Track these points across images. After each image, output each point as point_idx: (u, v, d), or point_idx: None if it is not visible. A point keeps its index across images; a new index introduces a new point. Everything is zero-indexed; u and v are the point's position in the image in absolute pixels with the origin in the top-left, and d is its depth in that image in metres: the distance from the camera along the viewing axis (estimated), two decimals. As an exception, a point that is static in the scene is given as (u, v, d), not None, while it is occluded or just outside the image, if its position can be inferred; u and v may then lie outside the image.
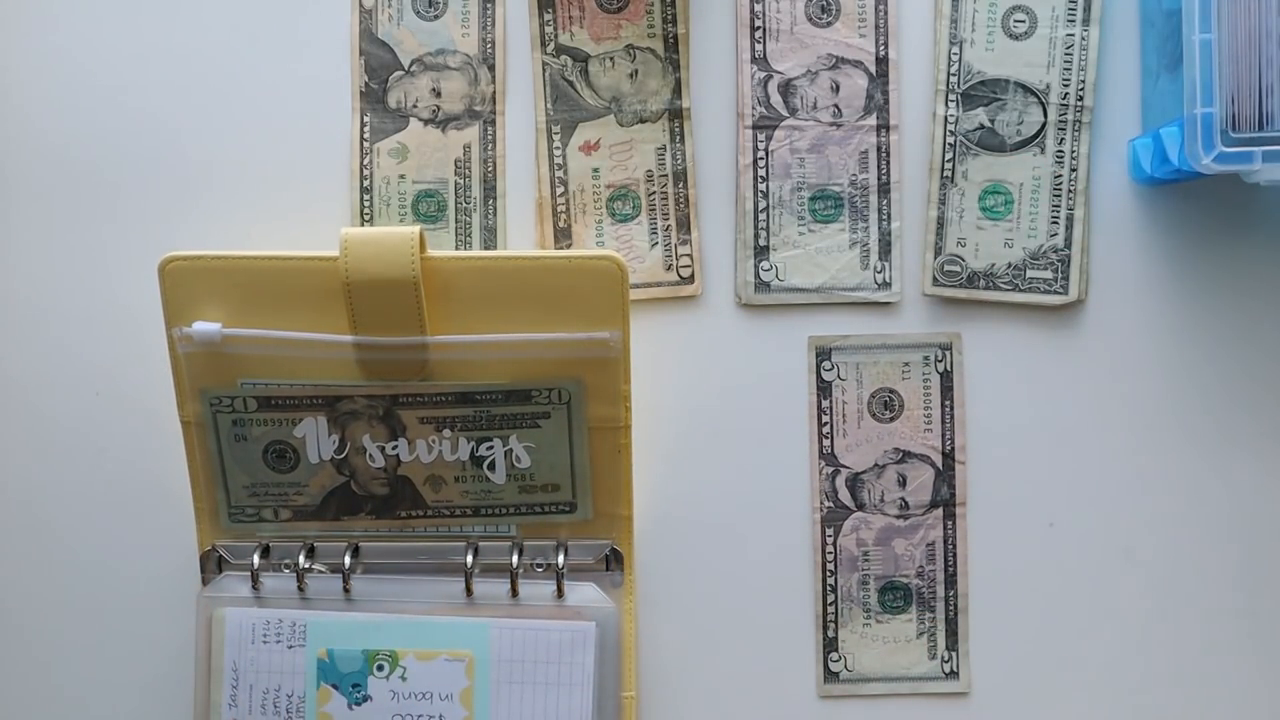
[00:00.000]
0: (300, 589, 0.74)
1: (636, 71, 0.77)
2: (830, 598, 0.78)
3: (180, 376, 0.72)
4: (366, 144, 0.77)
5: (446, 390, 0.72)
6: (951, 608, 0.77)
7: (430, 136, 0.77)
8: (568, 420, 0.72)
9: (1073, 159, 0.76)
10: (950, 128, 0.77)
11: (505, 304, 0.69)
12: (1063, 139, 0.76)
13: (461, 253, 0.77)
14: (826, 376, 0.77)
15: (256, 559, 0.74)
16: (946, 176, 0.77)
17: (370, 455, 0.73)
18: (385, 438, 0.73)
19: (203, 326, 0.70)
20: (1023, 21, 0.76)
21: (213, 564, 0.75)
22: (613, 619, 0.73)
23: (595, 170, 0.77)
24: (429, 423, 0.72)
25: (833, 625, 0.78)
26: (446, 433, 0.73)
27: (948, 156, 0.77)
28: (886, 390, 0.77)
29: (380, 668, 0.73)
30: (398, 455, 0.73)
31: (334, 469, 0.74)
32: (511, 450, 0.73)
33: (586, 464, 0.73)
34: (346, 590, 0.74)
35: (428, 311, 0.69)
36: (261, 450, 0.73)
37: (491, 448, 0.73)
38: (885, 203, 0.77)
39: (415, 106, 0.77)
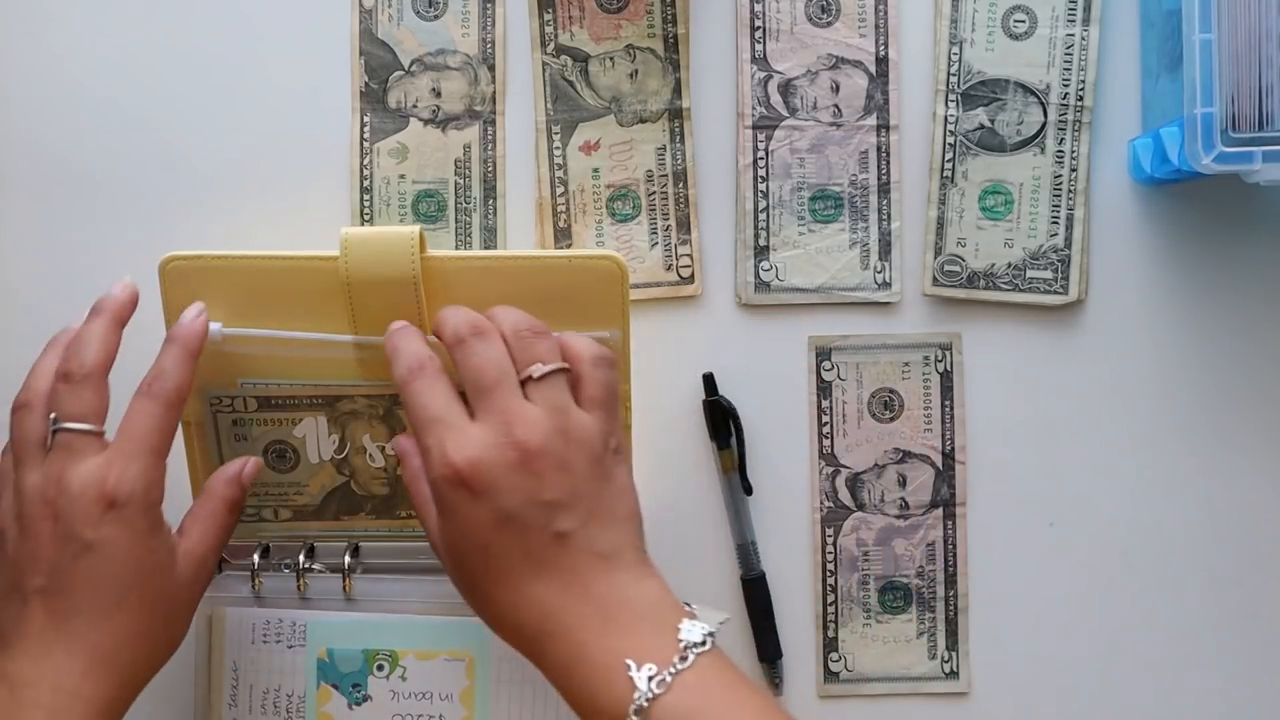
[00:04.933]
0: (300, 589, 0.74)
1: (636, 71, 0.77)
2: (830, 598, 0.78)
3: (180, 376, 0.72)
4: (366, 144, 0.77)
5: (446, 390, 0.72)
6: (951, 608, 0.77)
7: (430, 136, 0.77)
8: (568, 420, 0.72)
9: (1073, 159, 0.76)
10: (950, 128, 0.77)
11: (506, 303, 0.69)
12: (1063, 139, 0.76)
13: (462, 252, 0.77)
14: (826, 376, 0.77)
15: (256, 559, 0.74)
16: (946, 176, 0.77)
17: (370, 455, 0.73)
18: (385, 437, 0.73)
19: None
20: (1023, 21, 0.76)
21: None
22: (613, 619, 0.73)
23: (595, 170, 0.77)
24: (429, 422, 0.72)
25: (833, 625, 0.78)
26: (446, 433, 0.72)
27: (948, 156, 0.77)
28: (886, 390, 0.77)
29: (380, 668, 0.73)
30: (398, 455, 0.73)
31: (334, 469, 0.74)
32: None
33: (586, 464, 0.73)
34: (346, 590, 0.74)
35: (428, 311, 0.69)
36: (261, 450, 0.73)
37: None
38: (885, 203, 0.77)
39: (415, 106, 0.77)
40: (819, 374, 0.78)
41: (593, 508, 0.63)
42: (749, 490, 0.77)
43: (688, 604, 0.64)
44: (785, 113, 0.77)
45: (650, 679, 0.59)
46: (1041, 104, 0.76)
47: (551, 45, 0.77)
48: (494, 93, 0.78)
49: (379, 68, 0.77)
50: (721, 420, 0.76)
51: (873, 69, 0.77)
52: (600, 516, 0.63)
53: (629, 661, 0.60)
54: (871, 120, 0.77)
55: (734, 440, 0.77)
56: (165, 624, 0.66)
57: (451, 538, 0.63)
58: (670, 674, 0.59)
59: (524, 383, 0.64)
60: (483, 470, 0.61)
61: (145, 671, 0.66)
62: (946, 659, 0.78)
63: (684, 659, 0.60)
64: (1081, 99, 0.76)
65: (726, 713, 0.60)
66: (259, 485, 0.74)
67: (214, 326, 0.70)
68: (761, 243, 0.77)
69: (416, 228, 0.68)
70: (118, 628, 0.64)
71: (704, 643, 0.61)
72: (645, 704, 0.59)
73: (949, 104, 0.77)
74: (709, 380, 0.77)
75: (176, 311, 0.70)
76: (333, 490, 0.74)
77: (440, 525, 0.63)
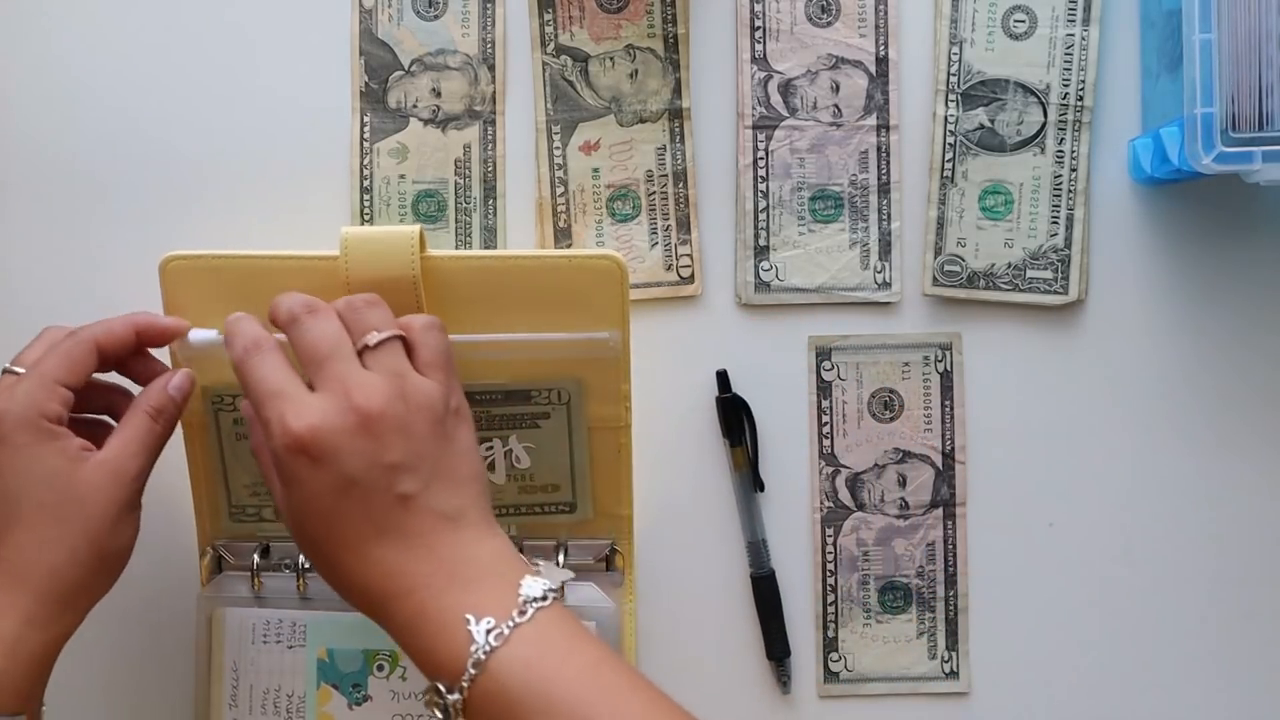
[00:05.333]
0: (300, 589, 0.74)
1: (636, 71, 0.77)
2: (830, 598, 0.78)
3: (180, 376, 0.72)
4: (366, 144, 0.77)
5: (446, 390, 0.71)
6: (951, 608, 0.78)
7: (430, 136, 0.77)
8: (567, 420, 0.72)
9: (1073, 159, 0.76)
10: (950, 128, 0.77)
11: (505, 303, 0.69)
12: (1063, 139, 0.76)
13: (462, 252, 0.77)
14: (826, 376, 0.77)
15: (256, 559, 0.74)
16: (946, 176, 0.77)
17: (370, 455, 0.73)
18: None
19: (200, 335, 0.70)
20: (1023, 21, 0.76)
21: (213, 564, 0.75)
22: (613, 618, 0.73)
23: (595, 170, 0.77)
24: (429, 422, 0.72)
25: (833, 625, 0.78)
26: (446, 432, 0.72)
27: (948, 156, 0.77)
28: (886, 390, 0.78)
29: (380, 668, 0.73)
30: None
31: (334, 469, 0.73)
32: (511, 450, 0.73)
33: (586, 464, 0.73)
34: (346, 590, 0.74)
35: (428, 311, 0.69)
36: (261, 450, 0.73)
37: (491, 448, 0.73)
38: (885, 203, 0.77)
39: (415, 106, 0.77)
40: (819, 374, 0.78)
41: (435, 469, 0.63)
42: (761, 486, 0.77)
43: (535, 561, 0.64)
44: (785, 113, 0.77)
45: (488, 632, 0.59)
46: (1041, 104, 0.76)
47: (551, 45, 0.77)
48: (494, 93, 0.78)
49: (379, 68, 0.77)
50: (735, 417, 0.77)
51: (873, 69, 0.77)
52: (443, 478, 0.63)
53: (469, 616, 0.60)
54: (871, 120, 0.77)
55: (746, 436, 0.77)
56: (81, 534, 0.66)
57: (295, 506, 0.63)
58: (509, 627, 0.60)
59: (360, 353, 0.64)
60: (323, 436, 0.61)
61: (71, 585, 0.66)
62: (946, 659, 0.78)
63: (523, 613, 0.60)
64: (1081, 99, 0.76)
65: (561, 663, 0.60)
66: (259, 485, 0.74)
67: (211, 334, 0.69)
68: (761, 243, 0.77)
69: (416, 227, 0.68)
70: (19, 539, 0.65)
71: (544, 598, 0.61)
72: (483, 656, 0.59)
73: (949, 104, 0.77)
74: (722, 377, 0.77)
75: (177, 311, 0.69)
76: (333, 490, 0.74)
77: (284, 494, 0.63)
